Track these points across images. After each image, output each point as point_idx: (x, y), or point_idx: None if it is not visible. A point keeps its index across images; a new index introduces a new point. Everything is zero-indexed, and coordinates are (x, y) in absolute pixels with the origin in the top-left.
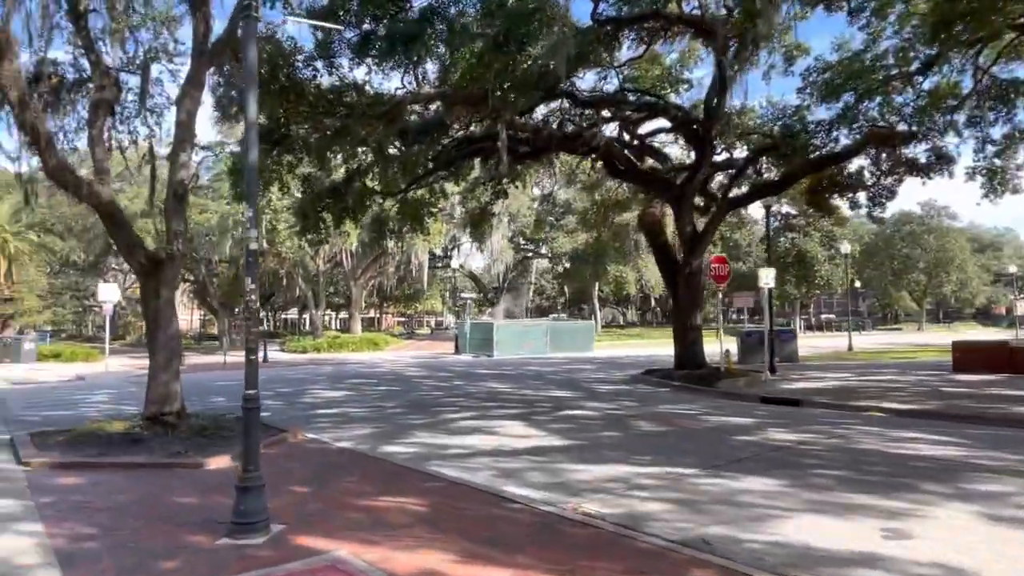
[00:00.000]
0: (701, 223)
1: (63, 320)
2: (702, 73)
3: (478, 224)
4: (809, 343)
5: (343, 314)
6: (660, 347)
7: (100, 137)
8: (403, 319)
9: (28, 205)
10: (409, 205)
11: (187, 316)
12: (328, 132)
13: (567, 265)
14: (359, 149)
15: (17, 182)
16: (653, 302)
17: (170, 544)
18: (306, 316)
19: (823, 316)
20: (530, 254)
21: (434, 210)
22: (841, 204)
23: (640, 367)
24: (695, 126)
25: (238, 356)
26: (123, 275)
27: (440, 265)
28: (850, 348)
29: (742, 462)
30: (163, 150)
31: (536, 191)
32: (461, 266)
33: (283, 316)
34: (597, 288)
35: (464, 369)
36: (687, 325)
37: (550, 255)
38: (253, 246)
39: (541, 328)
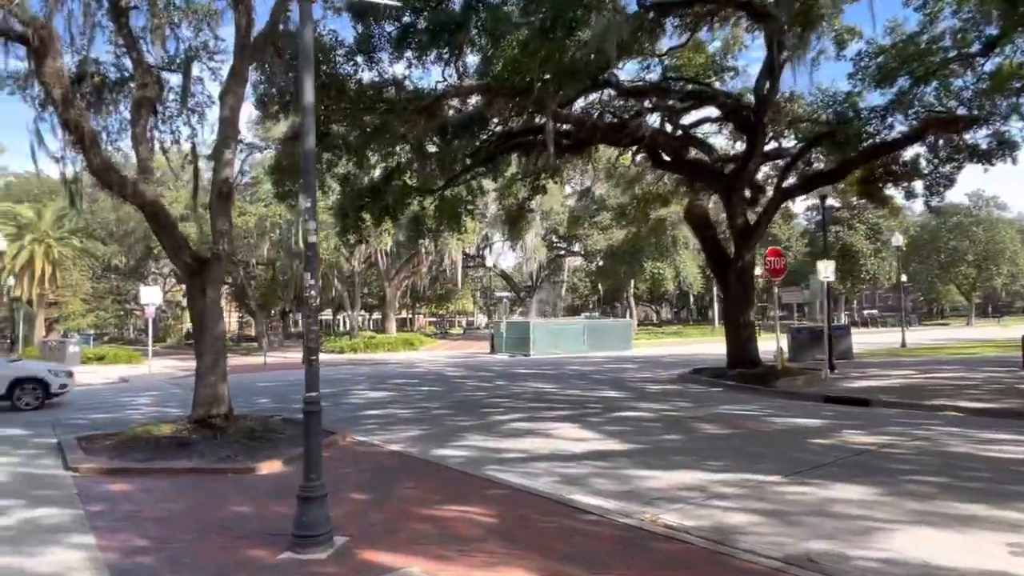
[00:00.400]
0: (750, 215)
1: (105, 323)
2: (743, 62)
3: (515, 222)
4: (858, 339)
5: (376, 315)
6: (700, 345)
7: (143, 135)
8: (434, 319)
9: (73, 206)
10: (447, 203)
11: (225, 318)
12: (367, 129)
13: (600, 263)
14: (397, 147)
15: (62, 183)
16: (691, 299)
17: (228, 559)
18: (339, 317)
19: (866, 312)
20: (562, 252)
21: (471, 208)
22: (895, 194)
23: (684, 366)
24: (746, 112)
25: (277, 357)
26: (163, 279)
27: (472, 265)
28: (903, 344)
29: (825, 467)
30: (205, 151)
31: (568, 188)
32: (494, 266)
33: (318, 317)
34: (632, 286)
35: (503, 369)
36: (740, 322)
37: (583, 253)
38: (312, 238)
39: (578, 327)
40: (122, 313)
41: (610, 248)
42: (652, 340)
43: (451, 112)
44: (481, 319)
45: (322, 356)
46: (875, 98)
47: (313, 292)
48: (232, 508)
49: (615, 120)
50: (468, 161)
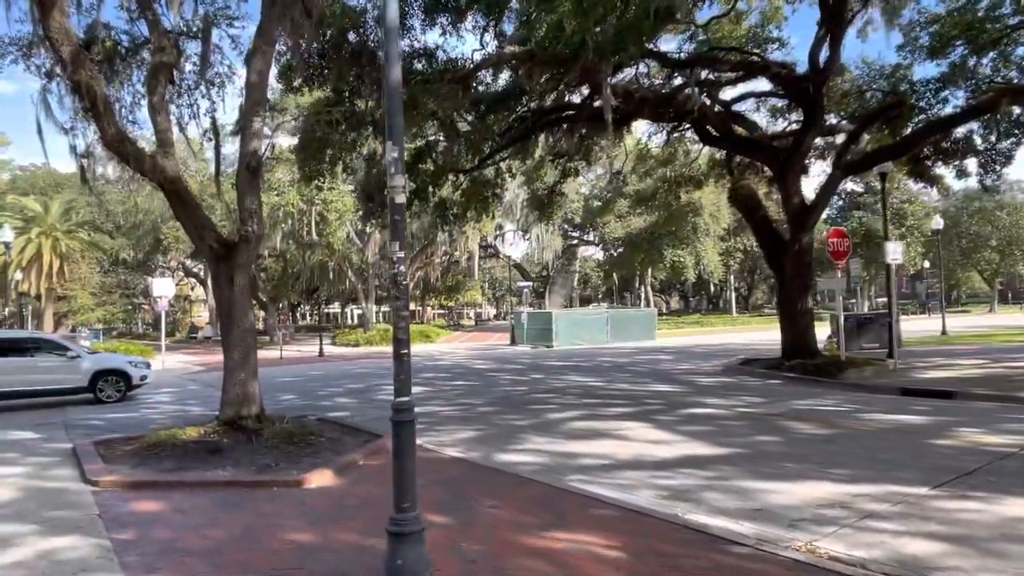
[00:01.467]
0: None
1: (113, 318)
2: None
3: (544, 207)
4: None
5: (384, 307)
6: (726, 335)
7: (161, 105)
8: (443, 311)
9: (85, 183)
10: (474, 187)
11: None
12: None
13: (613, 252)
14: (427, 124)
15: (71, 157)
16: (712, 288)
17: None
18: (349, 309)
19: (880, 299)
20: (575, 241)
21: (499, 191)
22: (945, 173)
23: (722, 356)
24: (803, 83)
25: (291, 351)
26: (171, 272)
27: (484, 255)
28: (944, 332)
29: (976, 476)
30: (225, 127)
31: (582, 178)
32: (508, 257)
33: (325, 310)
34: (649, 275)
35: (532, 361)
36: (796, 309)
37: (597, 241)
38: (400, 199)
39: (601, 317)
40: (130, 307)
41: (628, 236)
42: (674, 330)
43: (481, 88)
44: (489, 311)
45: (338, 349)
46: (926, 70)
47: (402, 268)
48: (290, 536)
49: (665, 91)
50: (498, 140)
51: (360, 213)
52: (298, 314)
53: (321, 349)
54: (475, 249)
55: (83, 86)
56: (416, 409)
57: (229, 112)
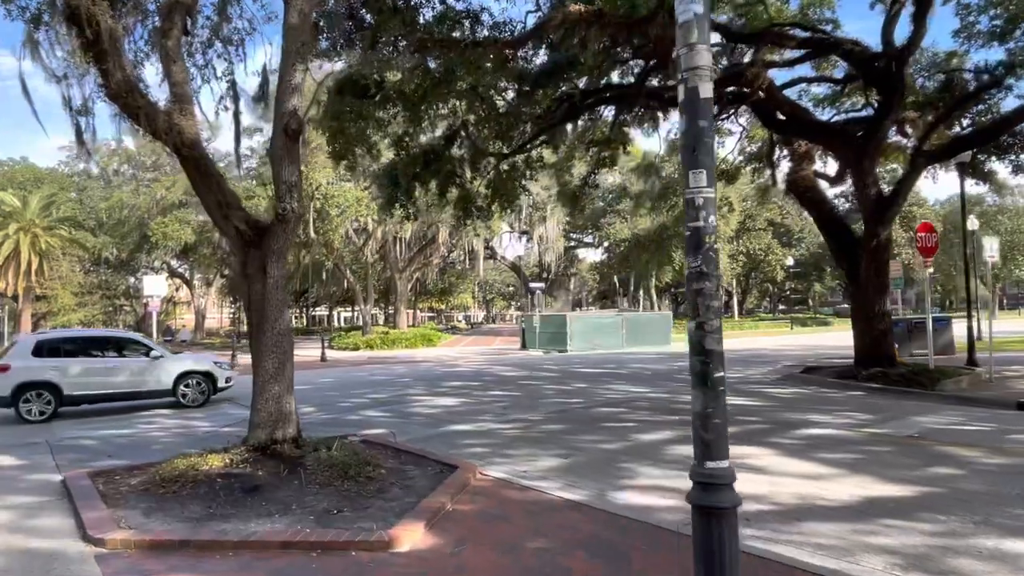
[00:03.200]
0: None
1: (93, 319)
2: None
3: (576, 200)
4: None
5: (374, 309)
6: (744, 339)
7: (177, 51)
8: (433, 314)
9: (82, 145)
10: (504, 175)
11: (216, 314)
12: (432, 76)
13: (613, 254)
14: (461, 102)
15: (65, 110)
16: (734, 289)
17: None
18: (337, 312)
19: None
20: (573, 243)
21: (530, 180)
22: (999, 168)
23: (760, 362)
24: (880, 62)
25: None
26: (154, 272)
27: (472, 258)
28: (978, 336)
29: None
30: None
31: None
32: (504, 258)
33: (312, 313)
34: (654, 277)
35: (560, 367)
36: (873, 312)
37: (596, 244)
38: (705, 89)
39: (616, 321)
40: (111, 309)
41: (635, 236)
42: (683, 334)
43: (521, 64)
44: (478, 314)
45: (337, 353)
46: (981, 57)
47: (711, 219)
48: None
49: (732, 68)
50: (539, 122)
51: (380, 202)
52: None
53: (323, 354)
54: (480, 248)
55: (83, 15)
56: (466, 426)
57: (249, 75)
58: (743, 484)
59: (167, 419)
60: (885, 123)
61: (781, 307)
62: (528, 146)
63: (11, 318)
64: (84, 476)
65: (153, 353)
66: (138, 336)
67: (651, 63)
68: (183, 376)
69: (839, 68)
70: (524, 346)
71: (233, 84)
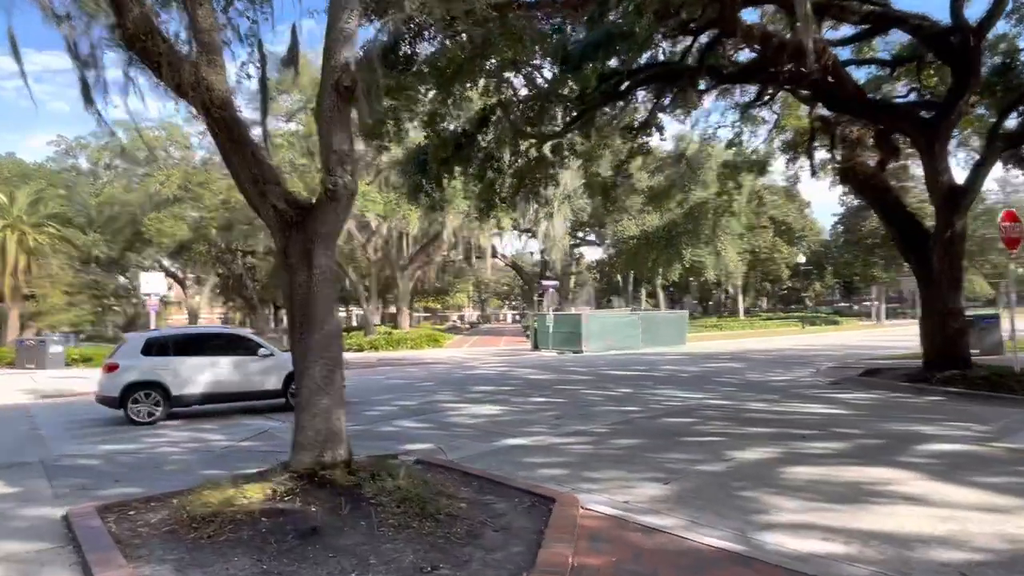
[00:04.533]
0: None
1: (81, 321)
2: None
3: (605, 193)
4: None
5: (360, 309)
6: (760, 339)
7: None
8: (428, 314)
9: (90, 104)
10: (538, 162)
11: (207, 315)
12: (467, 49)
13: (614, 252)
14: (499, 77)
15: (70, 56)
16: (731, 290)
17: None
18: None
19: (865, 303)
20: (577, 241)
21: (561, 169)
22: None
23: (798, 363)
24: (954, 37)
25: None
26: (143, 272)
27: (478, 255)
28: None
29: None
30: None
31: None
32: (503, 255)
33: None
34: (660, 275)
35: (587, 369)
36: (947, 310)
37: (600, 241)
38: None
39: (633, 320)
40: (99, 309)
41: (644, 233)
42: (699, 334)
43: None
44: (472, 314)
45: (348, 355)
46: None
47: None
48: None
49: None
50: (559, 108)
51: (403, 190)
52: (281, 316)
53: None
54: (487, 245)
55: None
56: (522, 440)
57: (278, 36)
58: (919, 522)
59: (176, 431)
60: (959, 104)
61: (780, 307)
62: (568, 129)
63: None
64: (92, 512)
65: (262, 351)
66: (247, 332)
67: (703, 39)
68: (292, 376)
69: (883, 51)
70: (536, 346)
71: (259, 45)
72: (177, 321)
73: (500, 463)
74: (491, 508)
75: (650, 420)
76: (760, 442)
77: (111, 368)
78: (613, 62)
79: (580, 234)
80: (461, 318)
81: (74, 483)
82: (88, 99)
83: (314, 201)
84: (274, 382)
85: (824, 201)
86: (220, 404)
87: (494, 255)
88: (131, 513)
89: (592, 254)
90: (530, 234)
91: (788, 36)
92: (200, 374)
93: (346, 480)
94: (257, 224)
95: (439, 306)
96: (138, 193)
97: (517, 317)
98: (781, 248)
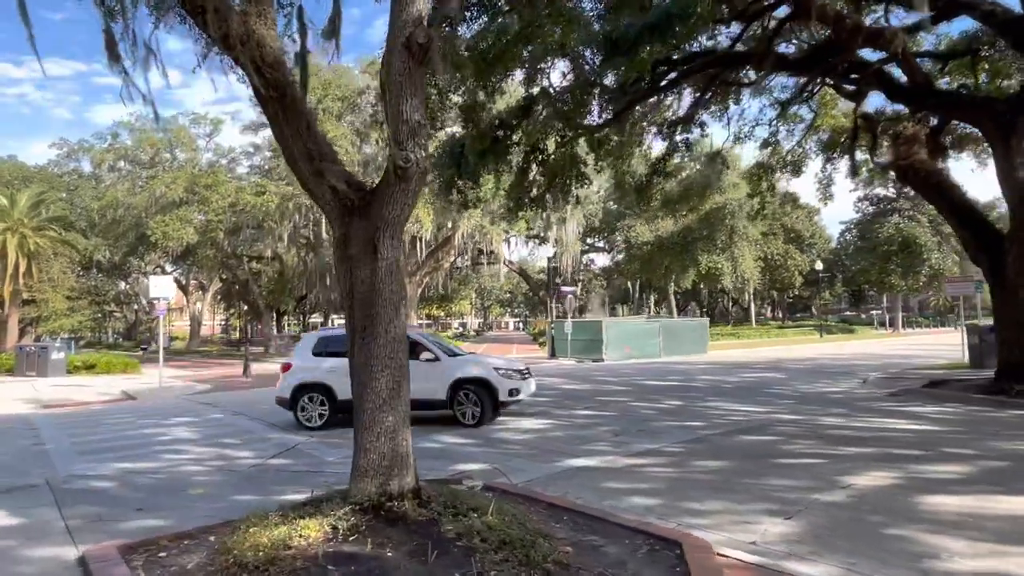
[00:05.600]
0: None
1: (81, 327)
2: None
3: (640, 193)
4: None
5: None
6: (780, 348)
7: None
8: (430, 322)
9: (115, 62)
10: (570, 159)
11: (209, 320)
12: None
13: (622, 259)
14: (543, 63)
15: (95, 3)
16: (748, 296)
17: None
18: (331, 320)
19: (874, 312)
20: (585, 248)
21: (585, 168)
22: None
23: (839, 374)
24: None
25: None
26: (146, 279)
27: (483, 261)
28: None
29: None
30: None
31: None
32: (510, 261)
33: (307, 320)
34: (673, 282)
35: (620, 379)
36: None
37: (611, 247)
38: None
39: (652, 328)
40: (100, 315)
41: (658, 239)
42: (717, 342)
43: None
44: (473, 321)
45: None
46: None
47: None
48: None
49: (872, 26)
50: (595, 99)
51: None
52: (286, 323)
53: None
54: (501, 250)
55: None
56: (589, 461)
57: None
58: None
59: (196, 446)
60: None
61: (787, 316)
62: (609, 123)
63: None
64: (114, 555)
65: (425, 355)
66: (417, 332)
67: (768, 23)
68: (459, 385)
69: (927, 45)
70: (553, 354)
71: (300, 12)
72: (179, 328)
73: (577, 489)
74: (602, 553)
75: (724, 437)
76: (866, 464)
77: (286, 368)
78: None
79: (590, 240)
80: (463, 325)
81: (88, 512)
82: (113, 54)
83: (378, 183)
84: (440, 391)
85: (828, 209)
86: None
87: (491, 262)
88: (161, 555)
89: (599, 261)
90: (538, 240)
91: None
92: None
93: (419, 514)
94: (265, 228)
95: (441, 313)
96: (143, 196)
97: (520, 324)
98: (794, 255)
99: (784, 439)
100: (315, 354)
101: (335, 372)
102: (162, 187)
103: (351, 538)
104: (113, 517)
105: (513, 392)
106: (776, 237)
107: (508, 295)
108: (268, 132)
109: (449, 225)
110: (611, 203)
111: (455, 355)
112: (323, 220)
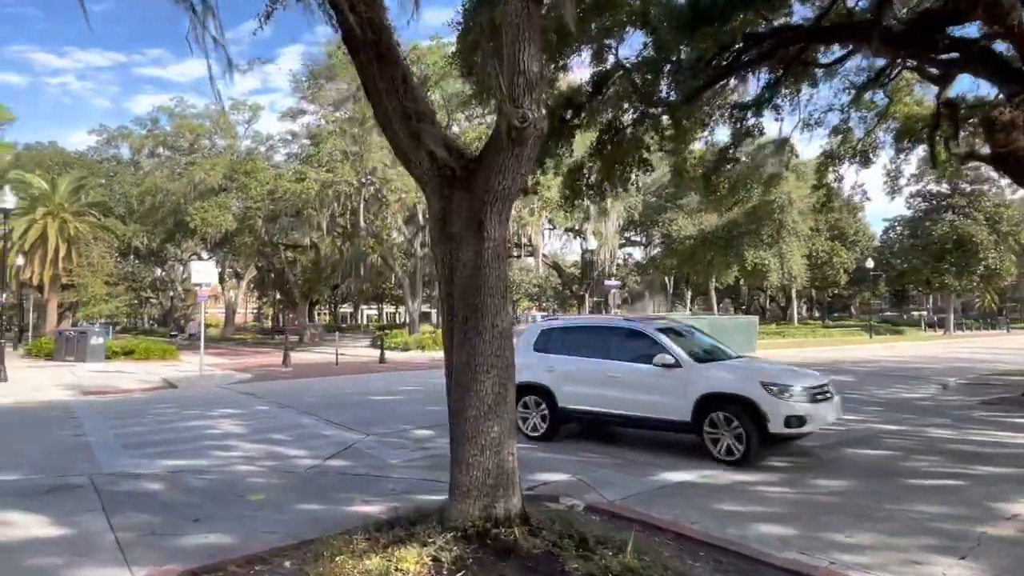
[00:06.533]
0: None
1: (118, 312)
2: None
3: (706, 182)
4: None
5: (391, 308)
6: (834, 349)
7: None
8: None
9: None
10: (632, 144)
11: (241, 309)
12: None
13: (654, 253)
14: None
15: None
16: (794, 294)
17: None
18: (361, 311)
19: (938, 315)
20: (621, 242)
21: (648, 153)
22: None
23: (909, 378)
24: None
25: (325, 353)
26: (181, 265)
27: (516, 254)
28: None
29: None
30: None
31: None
32: (545, 256)
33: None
34: (713, 279)
35: None
36: None
37: (648, 241)
38: None
39: (700, 325)
40: (136, 301)
41: (701, 233)
42: (760, 343)
43: None
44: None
45: (391, 354)
46: None
47: None
48: None
49: None
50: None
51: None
52: (316, 312)
53: (382, 354)
54: (538, 241)
55: None
56: (686, 475)
57: None
58: None
59: (245, 442)
60: None
61: (826, 315)
62: (690, 100)
63: (35, 308)
64: None
65: (661, 358)
66: (653, 329)
67: None
68: (707, 403)
69: None
70: None
71: None
72: (212, 315)
73: (688, 511)
74: None
75: (829, 451)
76: (1014, 488)
77: None
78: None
79: (627, 234)
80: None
81: (140, 521)
82: None
83: (483, 148)
84: (680, 407)
85: (869, 206)
86: (614, 427)
87: (527, 255)
88: None
89: (634, 255)
90: (575, 233)
91: None
92: (590, 383)
93: (531, 544)
94: (304, 215)
95: None
96: (181, 182)
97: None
98: (840, 252)
99: (902, 454)
100: (536, 349)
101: (553, 372)
102: (201, 173)
103: (459, 571)
104: (168, 529)
105: (794, 422)
106: (819, 234)
107: (536, 289)
108: (307, 119)
109: None
110: (650, 196)
111: (710, 358)
112: (361, 209)
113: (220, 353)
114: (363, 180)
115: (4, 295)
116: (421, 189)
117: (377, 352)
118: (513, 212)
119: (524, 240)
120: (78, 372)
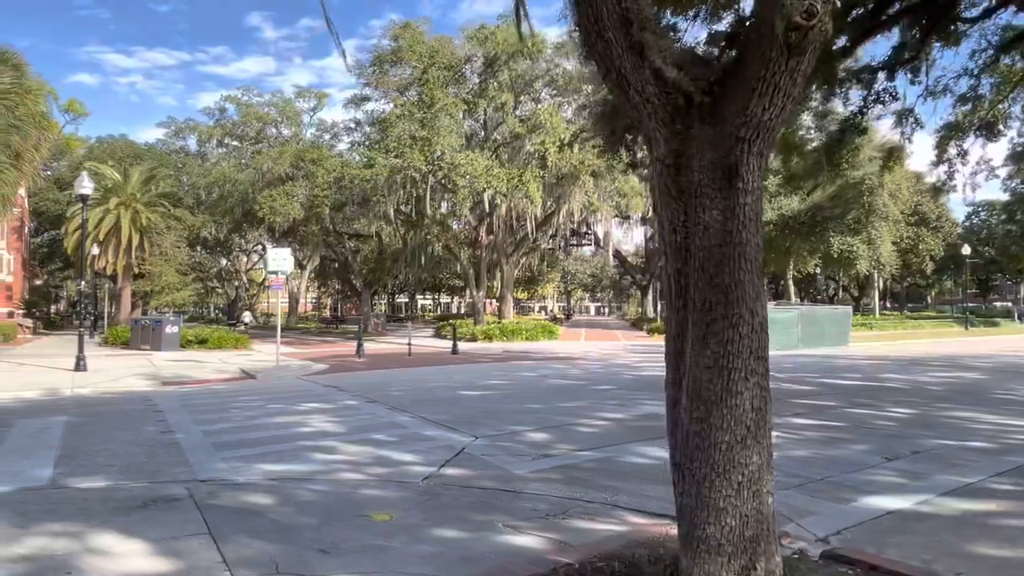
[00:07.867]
0: None
1: (187, 301)
2: None
3: (829, 156)
4: None
5: (445, 297)
6: (931, 342)
7: None
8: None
9: None
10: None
11: (303, 299)
12: None
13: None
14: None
15: None
16: (881, 283)
17: None
18: (418, 300)
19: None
20: None
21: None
22: None
23: None
24: None
25: (393, 343)
26: (245, 256)
27: (576, 243)
28: None
29: None
30: None
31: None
32: (603, 246)
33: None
34: (791, 267)
35: (788, 374)
36: None
37: None
38: None
39: (791, 316)
40: (203, 291)
41: (781, 218)
42: (862, 333)
43: None
44: (554, 306)
45: (464, 345)
46: None
47: None
48: None
49: None
50: None
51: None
52: (377, 302)
53: (455, 346)
54: (609, 229)
55: None
56: (894, 501)
57: None
58: None
59: (344, 443)
60: None
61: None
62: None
63: (110, 297)
64: None
65: None
66: None
67: None
68: None
69: None
70: None
71: None
72: (275, 306)
73: (937, 556)
74: None
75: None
76: None
77: None
78: None
79: None
80: (544, 309)
81: (257, 552)
82: None
83: (734, 60)
84: None
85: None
86: None
87: (574, 244)
88: None
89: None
90: (643, 221)
91: None
92: None
93: None
94: (372, 203)
95: (525, 296)
96: (249, 172)
97: (603, 309)
98: (926, 238)
99: None
100: None
101: None
102: (268, 162)
103: None
104: (293, 565)
105: None
106: (905, 219)
107: (591, 279)
108: (371, 106)
109: (549, 202)
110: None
111: None
112: (427, 196)
113: (288, 343)
114: (430, 166)
115: (83, 283)
116: (639, 127)
117: (443, 342)
118: (582, 198)
119: (587, 229)
120: (155, 361)
